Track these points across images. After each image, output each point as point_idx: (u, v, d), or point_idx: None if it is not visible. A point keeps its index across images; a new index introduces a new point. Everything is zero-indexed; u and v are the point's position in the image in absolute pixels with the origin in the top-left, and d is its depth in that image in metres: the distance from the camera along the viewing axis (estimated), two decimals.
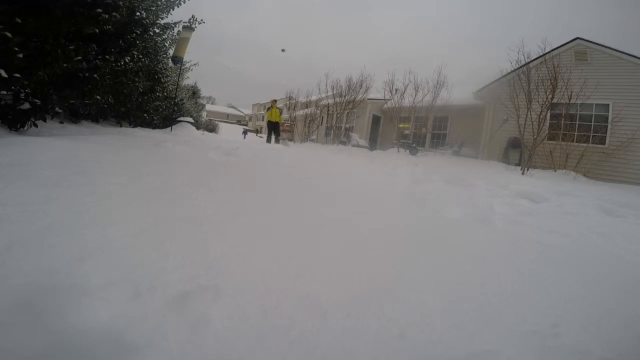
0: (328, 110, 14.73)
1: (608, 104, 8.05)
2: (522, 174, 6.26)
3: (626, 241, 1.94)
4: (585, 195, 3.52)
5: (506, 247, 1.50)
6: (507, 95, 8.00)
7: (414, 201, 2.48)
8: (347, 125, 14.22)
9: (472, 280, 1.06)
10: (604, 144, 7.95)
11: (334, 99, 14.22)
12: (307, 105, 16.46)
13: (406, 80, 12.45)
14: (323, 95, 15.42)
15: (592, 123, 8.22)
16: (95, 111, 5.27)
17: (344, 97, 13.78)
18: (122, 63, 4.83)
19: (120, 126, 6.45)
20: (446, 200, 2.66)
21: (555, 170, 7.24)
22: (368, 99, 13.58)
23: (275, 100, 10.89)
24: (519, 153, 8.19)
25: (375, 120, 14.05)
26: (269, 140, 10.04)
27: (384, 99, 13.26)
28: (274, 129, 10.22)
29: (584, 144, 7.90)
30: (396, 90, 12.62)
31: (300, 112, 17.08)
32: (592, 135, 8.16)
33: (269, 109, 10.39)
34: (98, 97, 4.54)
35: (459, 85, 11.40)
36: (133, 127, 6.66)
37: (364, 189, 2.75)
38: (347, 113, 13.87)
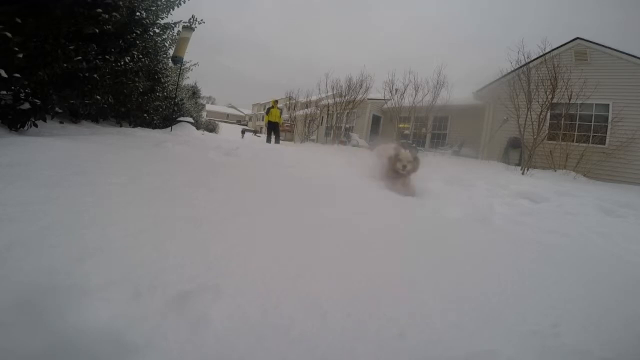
0: (328, 110, 14.73)
1: (608, 104, 8.06)
2: (522, 174, 6.26)
3: (626, 241, 1.94)
4: (585, 195, 3.52)
5: (506, 247, 1.50)
6: (507, 95, 8.00)
7: (414, 201, 2.48)
8: (347, 125, 14.22)
9: (472, 280, 1.06)
10: (604, 144, 7.95)
11: (334, 99, 14.21)
12: (307, 105, 16.46)
13: (406, 80, 12.48)
14: (323, 95, 15.41)
15: (592, 123, 8.23)
16: (95, 111, 5.27)
17: (344, 97, 13.78)
18: (122, 63, 4.83)
19: (120, 126, 6.44)
20: (446, 200, 2.66)
21: (555, 170, 7.25)
22: (368, 99, 13.58)
23: (277, 101, 10.90)
24: (519, 153, 8.19)
25: (375, 120, 14.06)
26: (268, 140, 10.05)
27: (384, 99, 13.27)
28: (274, 129, 10.23)
29: (584, 144, 7.91)
30: (396, 90, 12.63)
31: (300, 112, 17.07)
32: (592, 135, 8.17)
33: (269, 109, 10.39)
34: (98, 97, 4.54)
35: (459, 85, 11.42)
36: (133, 127, 6.66)
37: (364, 189, 2.75)
38: (347, 113, 13.86)
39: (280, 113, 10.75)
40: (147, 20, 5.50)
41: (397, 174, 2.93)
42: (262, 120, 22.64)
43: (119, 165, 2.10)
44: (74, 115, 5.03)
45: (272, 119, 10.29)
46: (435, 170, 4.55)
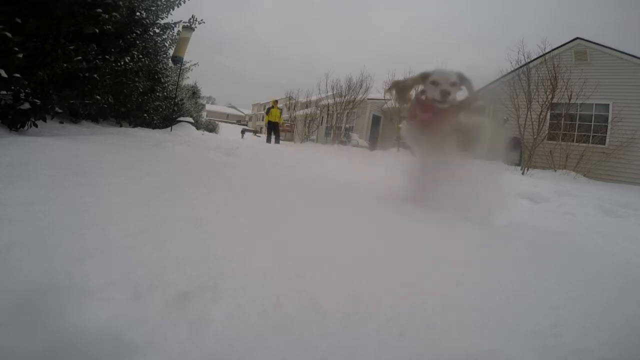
0: (328, 110, 14.73)
1: (608, 104, 8.06)
2: (522, 174, 6.26)
3: (626, 241, 1.94)
4: (585, 195, 3.52)
5: (506, 247, 1.50)
6: (507, 95, 8.01)
7: (415, 201, 2.48)
8: (347, 125, 14.22)
9: (472, 280, 1.06)
10: (604, 144, 7.96)
11: (334, 99, 14.22)
12: (307, 105, 16.46)
13: None
14: (323, 95, 15.42)
15: (592, 123, 8.23)
16: (95, 111, 5.28)
17: (344, 97, 13.79)
18: (122, 63, 4.83)
19: (120, 126, 6.45)
20: (446, 199, 2.65)
21: (555, 170, 7.25)
22: (368, 99, 13.59)
23: (277, 101, 10.92)
24: (519, 153, 8.20)
25: (375, 120, 14.06)
26: (268, 140, 10.06)
27: (384, 99, 13.26)
28: (274, 129, 10.24)
29: (584, 144, 7.92)
30: None
31: (300, 112, 17.07)
32: (592, 135, 8.18)
33: (269, 109, 10.40)
34: (98, 97, 4.54)
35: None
36: (133, 127, 6.66)
37: (364, 189, 2.75)
38: (347, 113, 13.88)
39: (280, 113, 10.76)
40: (147, 20, 5.50)
41: (430, 117, 1.78)
42: (262, 120, 22.65)
43: (119, 165, 2.10)
44: (74, 115, 5.03)
45: (272, 119, 10.30)
46: None
